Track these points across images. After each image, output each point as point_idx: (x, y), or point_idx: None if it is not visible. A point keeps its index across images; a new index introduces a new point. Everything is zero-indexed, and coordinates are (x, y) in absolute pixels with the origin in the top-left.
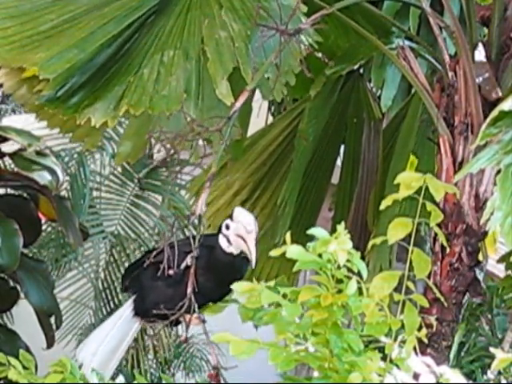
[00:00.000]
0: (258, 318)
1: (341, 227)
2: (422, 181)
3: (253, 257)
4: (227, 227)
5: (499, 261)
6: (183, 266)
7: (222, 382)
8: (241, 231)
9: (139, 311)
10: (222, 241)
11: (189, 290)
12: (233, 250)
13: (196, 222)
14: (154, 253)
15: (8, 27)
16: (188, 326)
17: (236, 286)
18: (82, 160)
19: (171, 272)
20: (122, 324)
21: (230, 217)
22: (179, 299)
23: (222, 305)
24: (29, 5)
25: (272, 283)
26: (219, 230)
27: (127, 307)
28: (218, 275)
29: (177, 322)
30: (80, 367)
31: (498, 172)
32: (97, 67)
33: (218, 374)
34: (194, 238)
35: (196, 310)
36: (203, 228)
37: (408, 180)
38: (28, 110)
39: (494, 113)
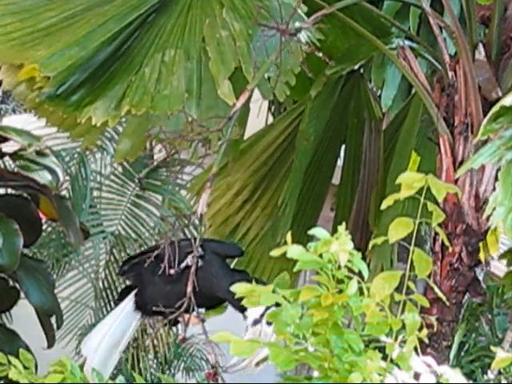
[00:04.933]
0: None
1: (342, 228)
2: (424, 181)
3: None
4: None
5: (501, 257)
6: (183, 265)
7: (220, 381)
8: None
9: (140, 305)
10: None
11: (188, 289)
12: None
13: (197, 222)
14: (156, 252)
15: (8, 24)
16: (187, 325)
17: (236, 287)
18: (83, 160)
19: (172, 272)
20: (124, 318)
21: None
22: (178, 297)
23: (224, 305)
24: (29, 1)
25: (273, 282)
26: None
27: (128, 301)
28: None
29: (175, 322)
30: (82, 366)
31: (499, 171)
32: (97, 65)
33: (216, 373)
34: (196, 239)
35: (195, 309)
36: (204, 228)
37: (409, 180)
38: (27, 107)
39: (496, 108)
